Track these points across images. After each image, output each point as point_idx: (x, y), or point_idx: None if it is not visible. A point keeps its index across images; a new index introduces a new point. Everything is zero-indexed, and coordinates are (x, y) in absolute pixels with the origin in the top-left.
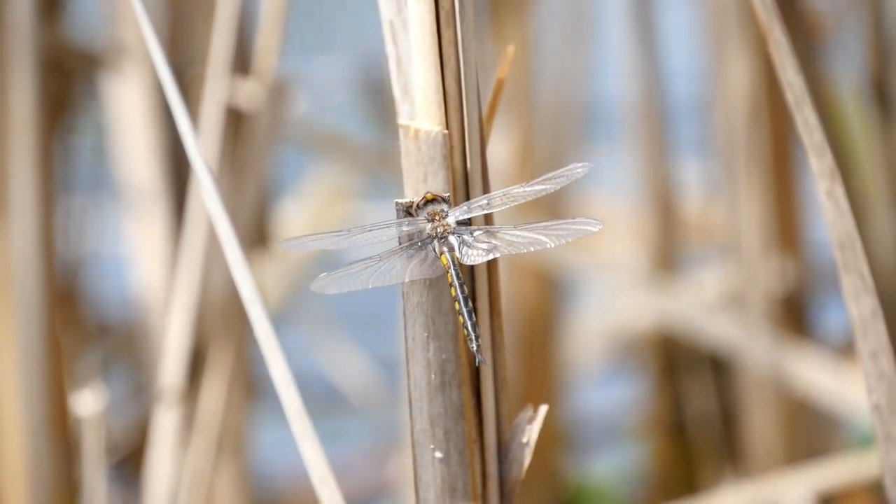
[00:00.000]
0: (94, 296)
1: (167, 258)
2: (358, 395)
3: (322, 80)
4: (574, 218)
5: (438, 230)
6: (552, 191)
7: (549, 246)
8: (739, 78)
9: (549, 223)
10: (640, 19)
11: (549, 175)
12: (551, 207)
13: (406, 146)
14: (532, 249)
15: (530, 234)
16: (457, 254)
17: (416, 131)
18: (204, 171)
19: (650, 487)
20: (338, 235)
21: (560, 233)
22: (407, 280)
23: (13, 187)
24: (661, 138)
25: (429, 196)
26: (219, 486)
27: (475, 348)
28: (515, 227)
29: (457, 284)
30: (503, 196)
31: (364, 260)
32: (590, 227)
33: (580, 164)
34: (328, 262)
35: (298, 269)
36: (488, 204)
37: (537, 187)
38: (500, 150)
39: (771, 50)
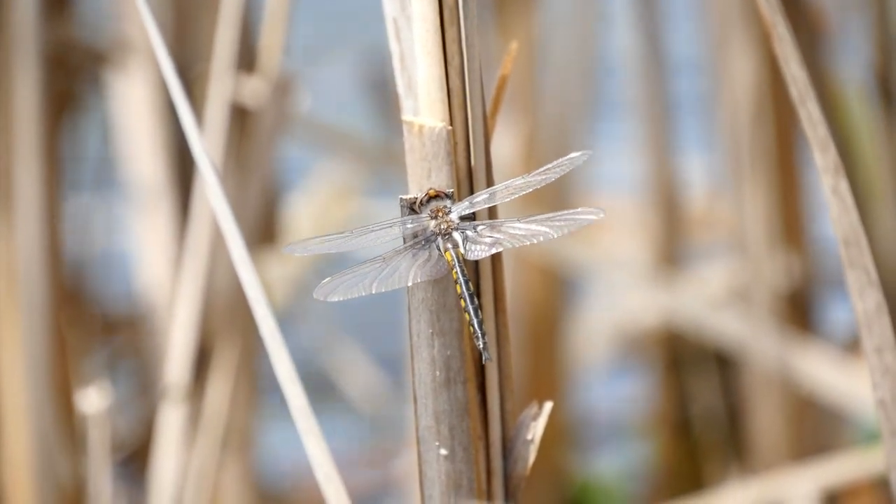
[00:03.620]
0: (100, 293)
1: (172, 255)
2: (363, 392)
3: (326, 77)
4: (576, 208)
5: (442, 227)
6: (553, 180)
7: (552, 236)
8: (743, 73)
9: (551, 214)
10: (644, 14)
11: (550, 165)
12: (556, 204)
13: (410, 142)
14: (535, 241)
15: (533, 226)
16: (461, 250)
17: (420, 127)
18: (208, 169)
19: (656, 484)
20: (341, 237)
21: (562, 223)
22: (411, 283)
23: (18, 185)
24: (665, 134)
25: (432, 192)
26: (224, 483)
27: (481, 345)
28: (518, 220)
29: (462, 281)
30: (504, 189)
31: (368, 262)
32: (592, 216)
33: (580, 152)
34: (333, 260)
35: (303, 266)
36: (490, 197)
37: (538, 177)
38: (505, 145)
39: (775, 45)
